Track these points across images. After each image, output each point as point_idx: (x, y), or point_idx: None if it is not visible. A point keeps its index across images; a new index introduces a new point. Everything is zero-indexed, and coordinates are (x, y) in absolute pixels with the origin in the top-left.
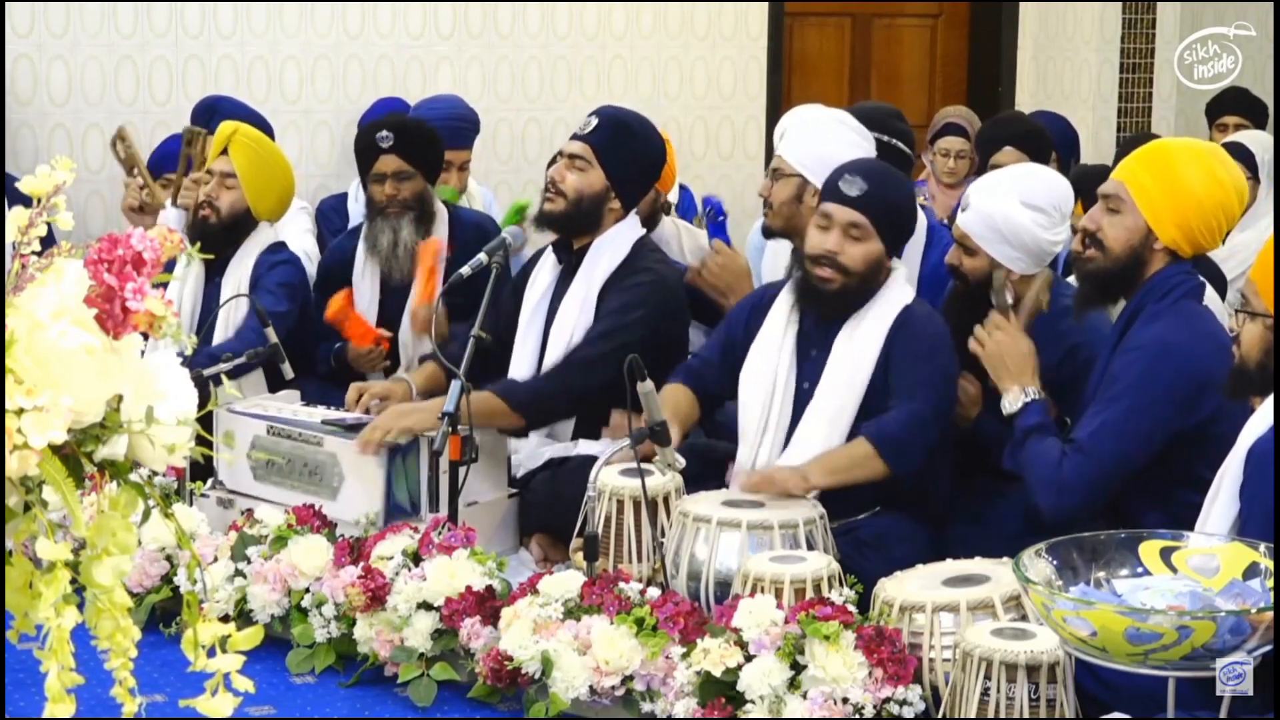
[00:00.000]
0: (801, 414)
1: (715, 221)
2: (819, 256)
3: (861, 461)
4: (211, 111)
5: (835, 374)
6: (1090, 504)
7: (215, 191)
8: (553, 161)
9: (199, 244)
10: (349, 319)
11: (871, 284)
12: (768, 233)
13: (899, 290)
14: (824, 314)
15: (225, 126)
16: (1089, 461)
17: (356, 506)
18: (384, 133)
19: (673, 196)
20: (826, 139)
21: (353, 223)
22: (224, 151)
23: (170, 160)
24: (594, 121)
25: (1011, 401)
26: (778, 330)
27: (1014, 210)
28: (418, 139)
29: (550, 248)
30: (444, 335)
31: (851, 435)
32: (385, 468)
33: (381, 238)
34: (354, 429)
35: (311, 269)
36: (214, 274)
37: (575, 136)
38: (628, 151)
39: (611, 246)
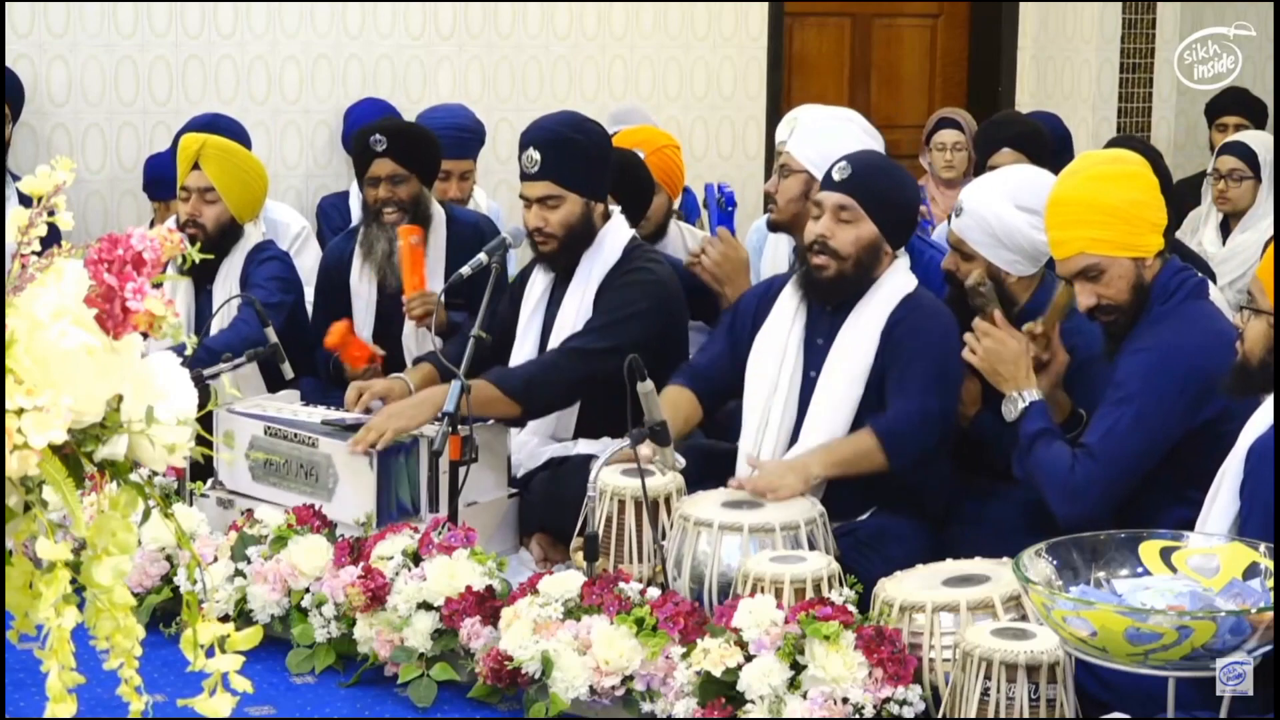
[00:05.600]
0: (807, 403)
1: (724, 211)
2: (812, 243)
3: (865, 454)
4: (213, 128)
5: (837, 363)
6: (1104, 508)
7: (196, 209)
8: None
9: (191, 261)
10: (348, 345)
11: (869, 268)
12: (772, 226)
13: (900, 278)
14: (826, 301)
15: (191, 140)
16: (1100, 466)
17: (351, 507)
18: (377, 136)
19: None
20: (835, 138)
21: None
22: (195, 166)
23: (162, 187)
24: (536, 156)
25: (1011, 408)
26: (785, 320)
27: (1007, 213)
28: (411, 142)
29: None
30: (444, 322)
31: (856, 425)
32: (375, 469)
33: (376, 245)
34: (353, 429)
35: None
36: (204, 282)
37: (528, 177)
38: (580, 160)
39: (603, 249)
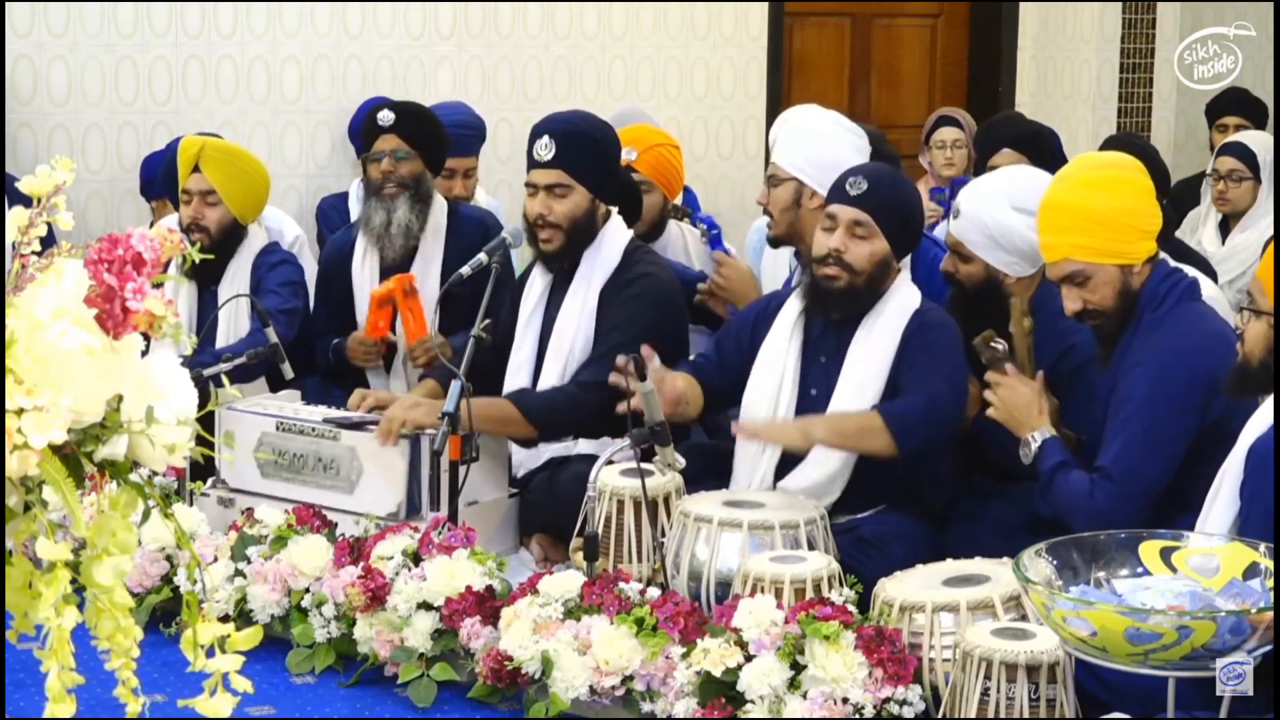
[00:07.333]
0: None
1: (712, 237)
2: (825, 256)
3: (869, 431)
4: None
5: (850, 381)
6: (1130, 526)
7: (199, 212)
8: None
9: (192, 262)
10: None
11: (879, 284)
12: (773, 242)
13: (906, 293)
14: (834, 314)
15: (191, 143)
16: (1119, 486)
17: (375, 499)
18: (385, 112)
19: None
20: (819, 140)
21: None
22: (195, 169)
23: (154, 186)
24: (551, 145)
25: (1026, 451)
26: (783, 339)
27: (1004, 215)
28: (418, 121)
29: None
30: (449, 356)
31: None
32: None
33: (375, 216)
34: (358, 427)
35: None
36: (208, 282)
37: (540, 165)
38: (595, 156)
39: (603, 249)
